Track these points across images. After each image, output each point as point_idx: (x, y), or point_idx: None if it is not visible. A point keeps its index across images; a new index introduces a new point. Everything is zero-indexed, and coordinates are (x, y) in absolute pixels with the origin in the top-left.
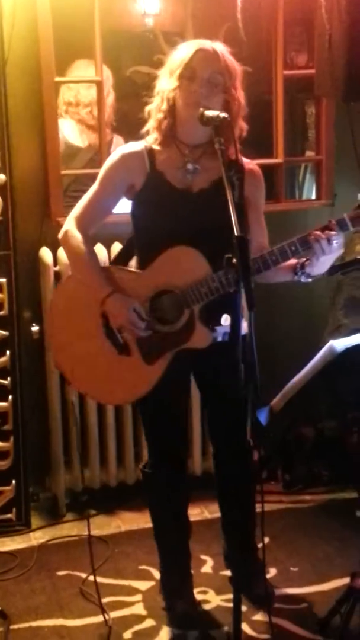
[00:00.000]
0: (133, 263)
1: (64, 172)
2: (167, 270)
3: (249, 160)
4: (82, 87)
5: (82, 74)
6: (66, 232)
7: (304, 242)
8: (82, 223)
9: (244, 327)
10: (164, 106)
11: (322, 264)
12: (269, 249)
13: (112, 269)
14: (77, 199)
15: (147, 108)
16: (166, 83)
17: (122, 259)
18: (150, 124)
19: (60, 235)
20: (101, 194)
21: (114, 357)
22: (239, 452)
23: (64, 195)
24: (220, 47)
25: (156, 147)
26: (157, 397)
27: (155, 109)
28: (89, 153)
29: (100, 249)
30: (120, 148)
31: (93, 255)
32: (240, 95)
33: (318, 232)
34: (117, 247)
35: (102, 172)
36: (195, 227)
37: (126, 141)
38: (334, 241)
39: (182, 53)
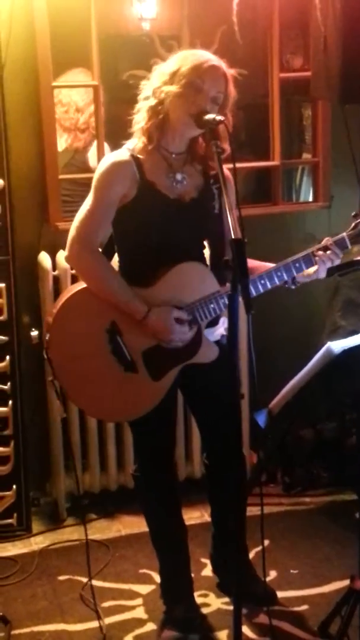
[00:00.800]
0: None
1: (62, 176)
2: (175, 286)
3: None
4: (63, 89)
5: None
6: (77, 255)
7: (308, 261)
8: (89, 240)
9: (217, 334)
10: (165, 108)
11: (318, 277)
12: (275, 265)
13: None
14: (67, 204)
15: (139, 105)
16: (168, 85)
17: None
18: (140, 125)
19: (70, 258)
20: (101, 207)
21: (120, 375)
22: (234, 457)
23: None
24: (227, 68)
25: (140, 155)
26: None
27: (149, 108)
28: (66, 156)
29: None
30: (109, 157)
31: (117, 275)
32: (230, 119)
33: (322, 253)
34: None
35: (95, 184)
36: (192, 236)
37: (112, 147)
38: (336, 261)
39: (193, 61)
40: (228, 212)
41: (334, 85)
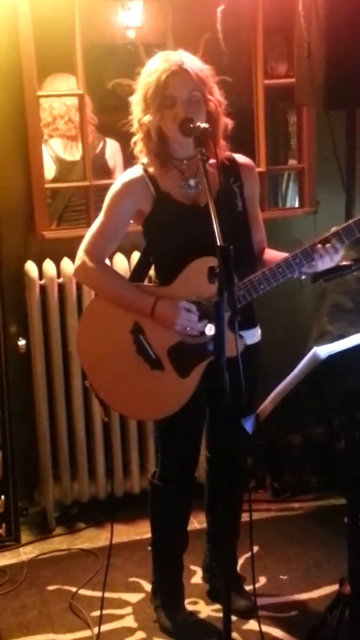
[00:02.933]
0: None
1: (47, 185)
2: (193, 282)
3: (238, 155)
4: (54, 101)
5: (57, 88)
6: (82, 267)
7: (308, 255)
8: (95, 255)
9: (258, 335)
10: (154, 137)
11: (324, 266)
12: (277, 261)
13: (140, 286)
14: (82, 212)
15: (134, 139)
16: (146, 115)
17: (137, 276)
18: (144, 152)
19: (74, 272)
20: (109, 224)
21: (147, 373)
22: (230, 460)
23: (65, 210)
24: (185, 58)
25: (153, 169)
26: (180, 409)
27: (143, 140)
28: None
29: (120, 259)
30: (120, 178)
31: (119, 276)
32: (217, 93)
33: (320, 246)
34: (136, 255)
35: (106, 203)
36: (210, 239)
37: (120, 144)
38: (340, 251)
39: (152, 79)
40: (213, 218)
41: (319, 92)
